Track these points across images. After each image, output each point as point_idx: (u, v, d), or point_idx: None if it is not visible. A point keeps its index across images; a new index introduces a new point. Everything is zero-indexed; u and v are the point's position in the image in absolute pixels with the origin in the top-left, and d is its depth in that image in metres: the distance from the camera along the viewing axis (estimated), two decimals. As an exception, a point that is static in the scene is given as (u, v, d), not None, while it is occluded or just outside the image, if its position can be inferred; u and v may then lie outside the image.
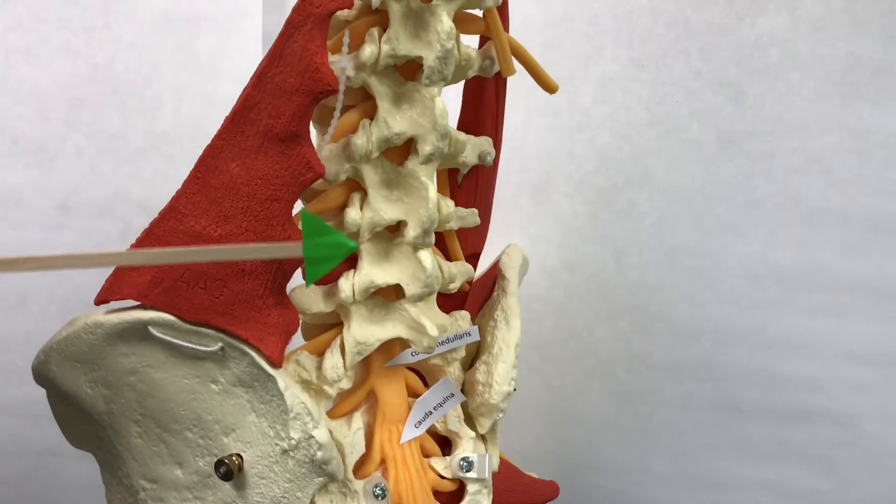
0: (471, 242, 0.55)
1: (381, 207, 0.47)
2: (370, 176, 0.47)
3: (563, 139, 0.66)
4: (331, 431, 0.49)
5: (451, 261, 0.54)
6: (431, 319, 0.50)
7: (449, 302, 0.56)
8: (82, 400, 0.48)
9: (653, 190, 0.66)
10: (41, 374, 0.47)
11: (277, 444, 0.46)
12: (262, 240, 0.44)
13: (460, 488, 0.53)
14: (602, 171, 0.66)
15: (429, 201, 0.45)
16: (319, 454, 0.46)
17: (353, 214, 0.47)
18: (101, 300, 0.45)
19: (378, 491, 0.49)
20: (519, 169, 0.67)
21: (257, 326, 0.44)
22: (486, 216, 0.55)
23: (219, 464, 0.46)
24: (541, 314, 0.72)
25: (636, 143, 0.65)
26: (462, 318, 0.54)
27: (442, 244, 0.54)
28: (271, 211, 0.43)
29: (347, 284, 0.48)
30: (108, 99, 0.68)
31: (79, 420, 0.51)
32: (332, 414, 0.51)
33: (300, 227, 0.45)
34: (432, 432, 0.54)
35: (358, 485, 0.49)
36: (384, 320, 0.49)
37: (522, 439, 0.78)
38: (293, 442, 0.46)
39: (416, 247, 0.47)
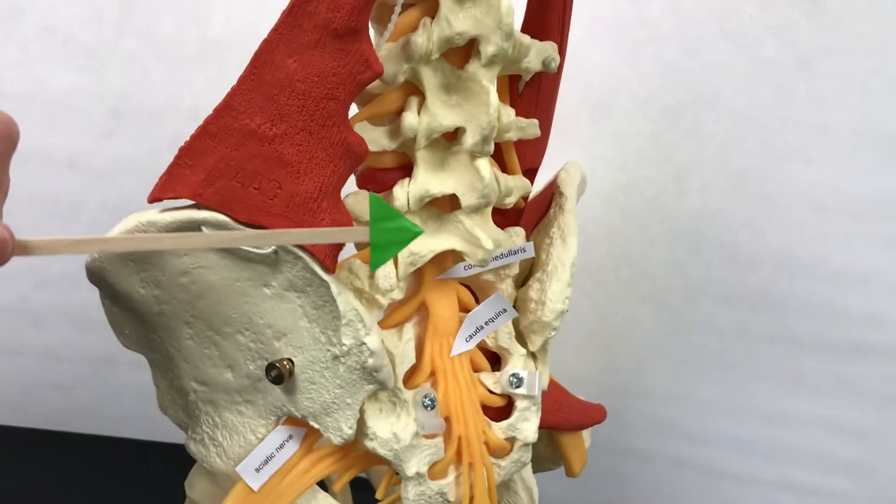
0: (529, 156, 0.53)
1: (439, 113, 0.45)
2: (429, 79, 0.45)
3: (629, 53, 0.63)
4: (382, 340, 0.48)
5: (508, 174, 0.52)
6: (486, 233, 0.48)
7: (504, 218, 0.55)
8: (135, 300, 0.48)
9: (720, 110, 0.64)
10: (94, 272, 0.47)
11: (329, 350, 0.46)
12: (316, 141, 0.42)
13: (509, 404, 0.53)
14: (668, 88, 0.64)
15: (489, 106, 0.43)
16: (370, 361, 0.45)
17: (411, 119, 0.45)
18: (154, 198, 0.44)
19: (427, 401, 0.48)
20: (581, 84, 0.65)
21: (311, 230, 0.44)
22: (546, 129, 0.53)
23: (270, 367, 0.46)
24: (595, 237, 0.70)
25: (705, 59, 0.62)
26: (517, 234, 0.53)
27: (499, 156, 0.52)
28: (327, 110, 0.42)
29: (402, 192, 0.46)
30: (160, 3, 0.67)
31: (131, 321, 0.51)
32: (383, 324, 0.50)
33: (356, 131, 0.44)
34: (483, 348, 0.53)
35: (408, 395, 0.48)
36: (438, 231, 0.48)
37: (571, 362, 0.77)
38: (345, 348, 0.45)
39: (473, 155, 0.46)
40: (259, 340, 0.47)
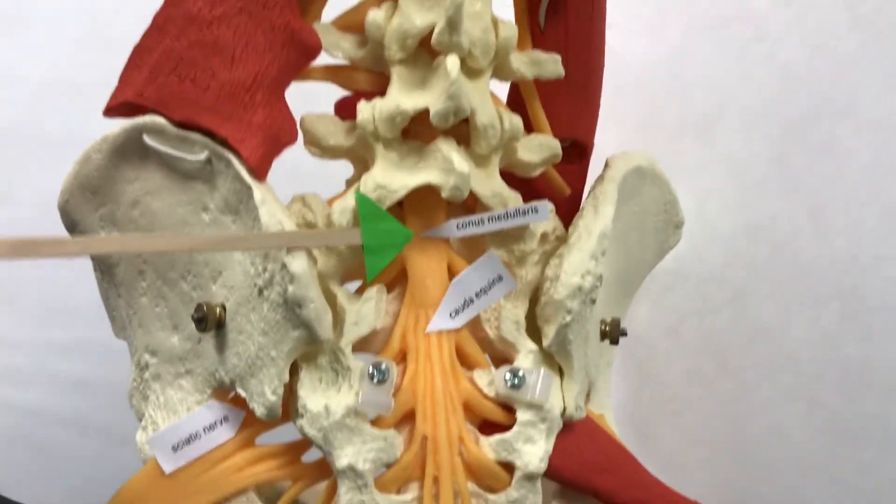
0: (566, 121, 0.44)
1: (413, 11, 0.38)
2: (403, -28, 0.39)
3: (735, 57, 0.52)
4: (336, 294, 0.39)
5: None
6: (486, 182, 0.39)
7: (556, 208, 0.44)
8: (97, 245, 0.43)
9: (861, 119, 0.50)
10: (65, 212, 0.44)
11: (255, 284, 0.38)
12: (256, 23, 0.38)
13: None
14: (789, 96, 0.51)
15: (455, -16, 0.36)
16: (291, 289, 0.36)
17: (376, 15, 0.39)
18: (108, 109, 0.41)
19: (374, 372, 0.37)
20: (679, 99, 0.54)
21: (240, 125, 0.37)
22: (585, 89, 0.44)
23: (198, 308, 0.38)
24: (715, 302, 0.55)
25: (834, 54, 0.50)
26: (540, 205, 0.42)
27: (522, 106, 0.43)
28: (268, -12, 0.37)
29: (368, 108, 0.39)
30: None
31: (110, 291, 0.47)
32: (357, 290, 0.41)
33: (302, 16, 0.39)
34: (487, 344, 0.41)
35: (353, 362, 0.38)
36: (417, 167, 0.39)
37: (695, 484, 0.59)
38: (267, 275, 0.37)
39: (445, 52, 0.38)
40: (199, 286, 0.40)
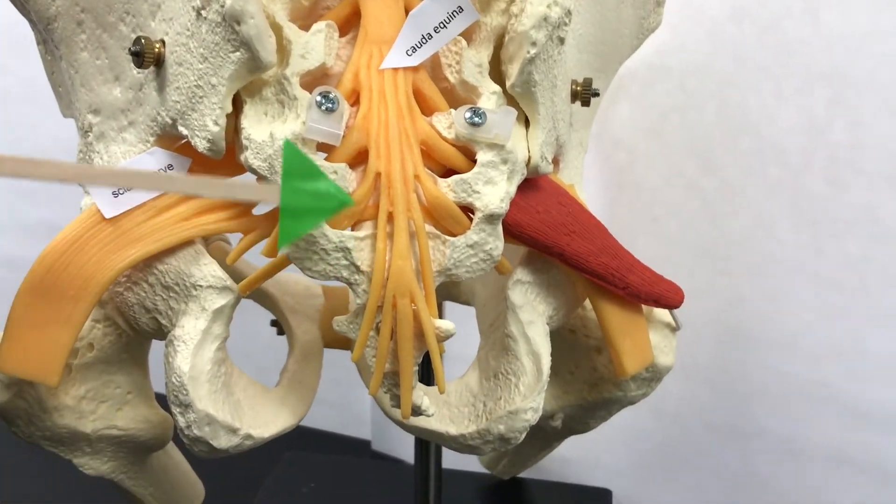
0: None
1: None
2: None
3: None
4: (282, 27, 0.36)
5: None
6: None
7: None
8: (32, -1, 0.41)
9: None
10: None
11: (192, 6, 0.35)
12: None
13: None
14: None
15: None
16: (229, 3, 0.33)
17: None
18: None
19: (322, 100, 0.34)
20: None
21: None
22: None
23: (135, 41, 0.36)
24: (700, 96, 0.52)
25: None
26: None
27: None
28: None
29: None
30: None
31: (50, 59, 0.44)
32: (301, 24, 0.38)
33: None
34: (449, 94, 0.38)
35: (300, 91, 0.35)
36: None
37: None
38: (203, -8, 0.34)
39: None
40: (139, 25, 0.38)
